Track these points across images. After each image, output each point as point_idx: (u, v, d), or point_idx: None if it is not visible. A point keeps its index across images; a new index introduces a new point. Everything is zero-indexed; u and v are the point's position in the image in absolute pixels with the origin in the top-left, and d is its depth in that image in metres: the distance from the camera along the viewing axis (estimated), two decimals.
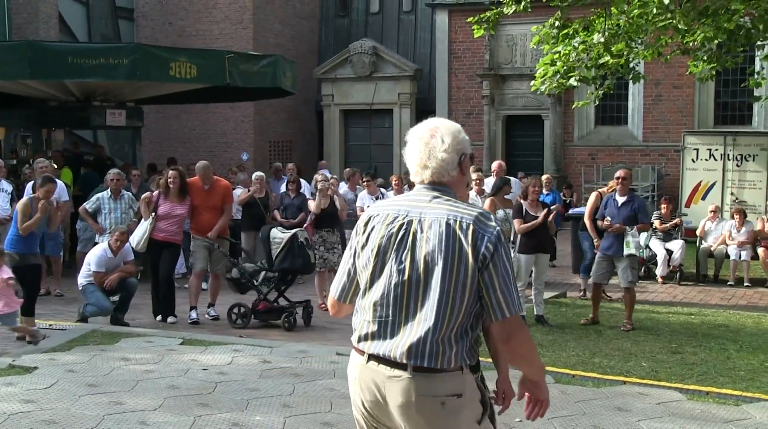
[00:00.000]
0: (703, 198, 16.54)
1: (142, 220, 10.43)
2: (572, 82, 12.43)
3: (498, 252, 3.00)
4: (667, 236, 14.06)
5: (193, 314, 10.28)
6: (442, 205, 3.09)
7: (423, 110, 24.33)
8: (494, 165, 13.02)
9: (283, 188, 13.96)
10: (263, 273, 10.35)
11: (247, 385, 7.04)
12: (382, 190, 13.26)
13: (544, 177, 15.18)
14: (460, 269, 3.00)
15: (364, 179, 13.08)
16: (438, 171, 3.14)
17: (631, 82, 16.25)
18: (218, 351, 8.29)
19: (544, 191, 14.66)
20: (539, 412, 3.27)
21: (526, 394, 3.27)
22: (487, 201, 11.39)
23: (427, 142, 3.16)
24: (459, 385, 3.06)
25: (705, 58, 14.30)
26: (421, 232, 3.06)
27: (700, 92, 21.07)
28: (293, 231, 10.46)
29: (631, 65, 15.44)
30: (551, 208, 11.36)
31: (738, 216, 13.99)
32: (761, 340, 9.38)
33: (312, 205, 11.71)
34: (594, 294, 10.36)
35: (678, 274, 13.80)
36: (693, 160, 16.82)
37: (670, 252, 13.78)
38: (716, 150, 16.56)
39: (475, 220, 3.03)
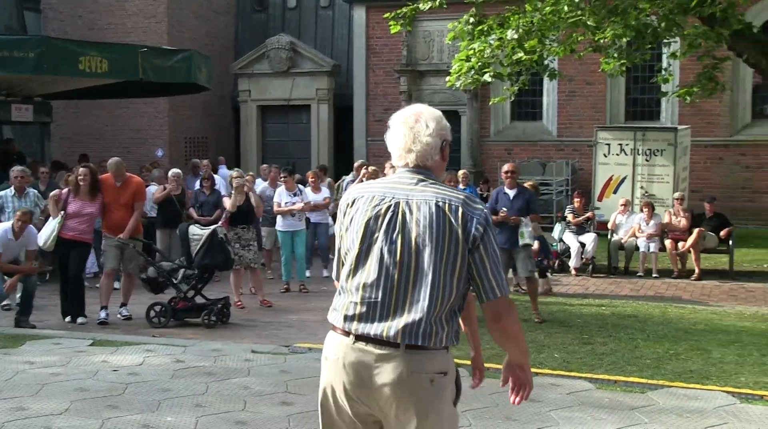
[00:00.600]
0: (615, 192, 16.88)
1: (50, 218, 10.17)
2: (486, 78, 12.56)
3: (487, 233, 3.09)
4: (580, 229, 14.34)
5: (103, 314, 10.07)
6: (428, 188, 3.14)
7: (341, 106, 24.36)
8: None
9: (197, 185, 13.79)
10: (182, 271, 10.22)
11: (158, 386, 6.92)
12: (300, 186, 13.20)
13: (460, 172, 15.30)
14: (451, 250, 3.06)
15: (282, 175, 12.99)
16: (422, 155, 3.18)
17: (546, 78, 16.52)
18: (129, 351, 8.13)
19: (461, 186, 14.78)
20: (524, 396, 3.37)
21: (510, 378, 3.35)
22: None
23: (412, 127, 3.21)
24: (445, 363, 3.14)
25: (615, 55, 14.62)
26: (410, 213, 3.11)
27: (611, 88, 21.52)
28: (212, 227, 10.36)
29: (546, 62, 15.70)
30: None
31: (646, 209, 14.35)
32: (667, 329, 9.64)
33: (227, 202, 11.61)
34: None
35: (590, 266, 14.10)
36: (605, 155, 17.15)
37: (583, 245, 14.06)
38: (627, 145, 16.93)
39: (463, 202, 3.10)
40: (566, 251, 14.29)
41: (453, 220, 3.07)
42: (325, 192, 13.96)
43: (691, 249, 13.74)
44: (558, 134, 22.24)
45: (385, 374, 3.09)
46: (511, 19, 12.74)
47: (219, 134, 25.97)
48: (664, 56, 17.25)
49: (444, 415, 3.17)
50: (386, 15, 14.15)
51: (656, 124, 20.52)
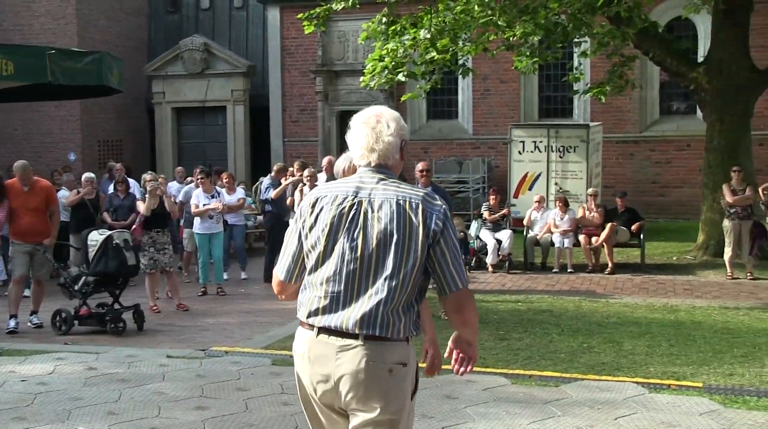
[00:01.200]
0: (530, 188, 17.15)
1: None
2: (400, 77, 12.65)
3: (447, 228, 3.24)
4: (496, 226, 14.50)
5: (12, 323, 9.79)
6: (389, 186, 3.28)
7: (257, 107, 24.19)
8: (324, 161, 13.05)
9: (111, 189, 13.55)
10: (84, 277, 10.02)
11: (69, 395, 6.77)
12: (218, 188, 13.08)
13: None
14: (412, 245, 3.20)
15: (198, 177, 12.87)
16: (384, 154, 3.33)
17: (460, 76, 16.71)
18: (39, 360, 7.93)
19: None
20: (468, 368, 3.48)
21: (455, 351, 3.46)
22: None
23: (374, 127, 3.35)
24: (405, 354, 3.24)
25: (528, 53, 14.89)
26: (372, 211, 3.24)
27: (525, 86, 21.84)
28: (109, 232, 10.15)
29: (461, 61, 15.89)
30: None
31: (560, 205, 14.59)
32: (581, 323, 9.83)
33: (142, 206, 11.43)
34: None
35: (507, 263, 14.26)
36: (520, 152, 17.41)
37: (499, 241, 14.23)
38: (541, 142, 17.22)
39: (422, 199, 3.25)
40: (483, 248, 14.44)
41: (413, 217, 3.21)
42: (239, 193, 13.86)
43: (604, 244, 14.02)
44: (473, 132, 22.46)
45: (346, 365, 3.19)
46: (424, 19, 12.87)
47: (134, 137, 25.53)
48: (575, 55, 17.58)
49: (405, 405, 3.28)
50: (300, 15, 14.13)
51: (569, 121, 20.90)
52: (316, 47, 22.76)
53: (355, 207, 3.27)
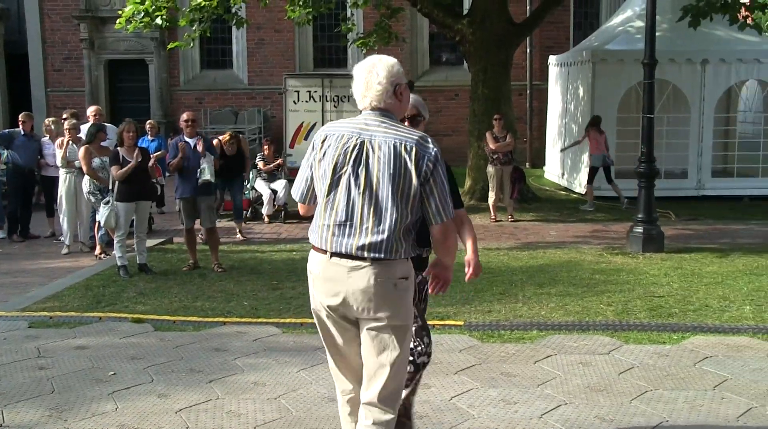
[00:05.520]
0: (306, 138, 17.12)
1: None
2: (158, 21, 12.23)
3: (436, 168, 3.69)
4: (271, 177, 14.46)
5: None
6: (389, 129, 3.73)
7: (14, 54, 22.70)
8: (90, 110, 12.43)
9: None
10: None
11: None
12: None
13: (147, 122, 14.83)
14: (405, 183, 3.66)
15: None
16: (376, 98, 3.76)
17: (234, 26, 16.40)
18: None
19: (149, 137, 14.39)
20: (443, 289, 4.02)
21: (432, 274, 4.00)
22: (82, 149, 10.89)
23: (366, 76, 3.78)
24: (406, 270, 3.76)
25: (301, 3, 14.82)
26: (373, 152, 3.68)
27: (299, 36, 21.77)
28: None
29: (234, 10, 15.56)
30: (156, 154, 11.16)
31: None
32: None
33: None
34: (188, 240, 10.35)
35: (283, 213, 14.26)
36: (295, 102, 17.31)
37: (275, 192, 14.20)
38: (315, 92, 17.20)
39: (416, 143, 3.68)
40: (258, 199, 14.37)
41: (408, 159, 3.65)
42: None
43: None
44: (249, 82, 22.20)
45: (358, 282, 3.67)
46: None
47: None
48: (348, 5, 17.68)
49: (410, 312, 3.83)
50: None
51: (344, 71, 21.05)
52: None
53: (358, 147, 3.69)
